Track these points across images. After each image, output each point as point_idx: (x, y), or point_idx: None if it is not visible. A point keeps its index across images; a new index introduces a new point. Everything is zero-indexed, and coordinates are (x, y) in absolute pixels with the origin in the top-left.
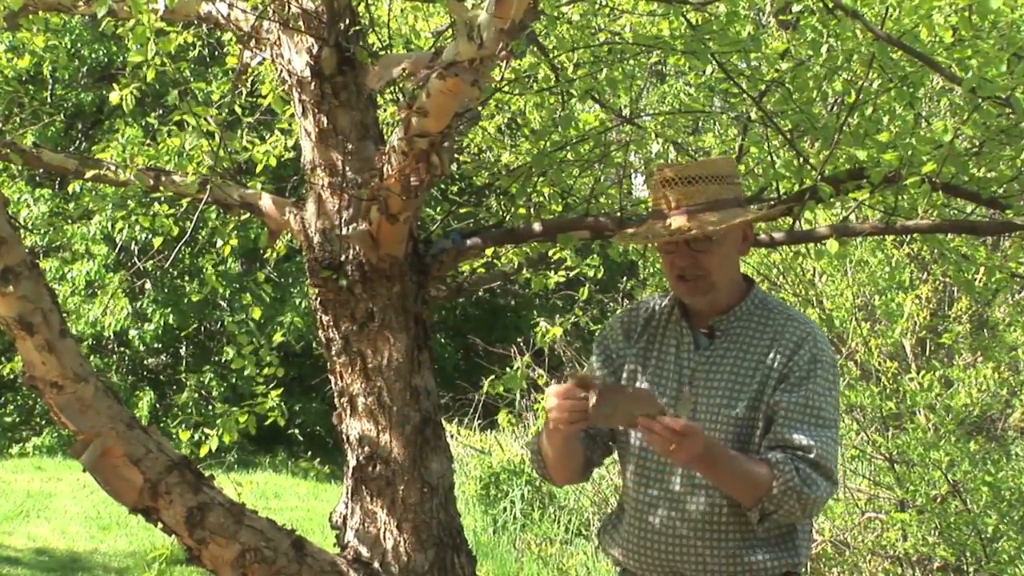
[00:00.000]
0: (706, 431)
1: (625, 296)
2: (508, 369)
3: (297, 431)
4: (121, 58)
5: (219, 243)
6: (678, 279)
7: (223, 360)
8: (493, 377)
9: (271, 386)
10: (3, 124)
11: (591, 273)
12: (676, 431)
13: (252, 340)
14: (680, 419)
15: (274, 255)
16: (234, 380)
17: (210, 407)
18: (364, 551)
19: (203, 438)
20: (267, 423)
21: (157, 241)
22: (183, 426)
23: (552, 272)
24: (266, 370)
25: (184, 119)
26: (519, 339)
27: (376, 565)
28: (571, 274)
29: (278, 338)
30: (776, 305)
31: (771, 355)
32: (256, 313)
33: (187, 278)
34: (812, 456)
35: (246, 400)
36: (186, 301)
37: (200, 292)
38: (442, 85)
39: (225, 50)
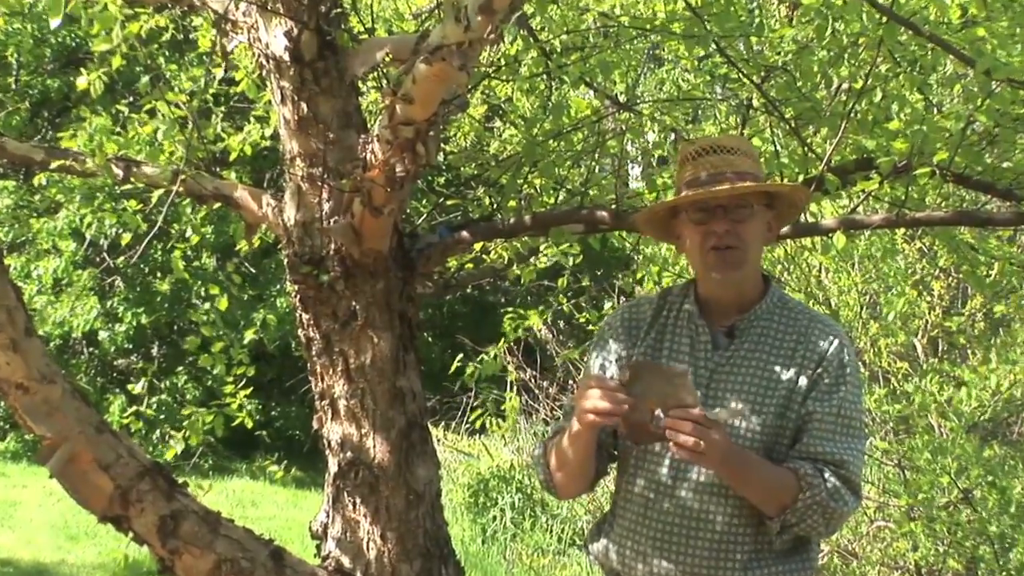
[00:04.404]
0: (730, 438)
1: (621, 293)
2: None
3: (265, 434)
4: (90, 42)
5: (189, 234)
6: (711, 250)
7: (198, 362)
8: (461, 364)
9: (240, 385)
10: None
11: (570, 261)
12: (702, 424)
13: (220, 335)
14: (704, 413)
15: (250, 250)
16: (209, 383)
17: (183, 410)
18: (346, 562)
19: (167, 439)
20: (235, 424)
21: (125, 238)
22: (149, 431)
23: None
24: (236, 369)
25: (156, 106)
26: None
27: None
28: (565, 271)
29: (250, 334)
30: (796, 304)
31: (798, 360)
32: (223, 304)
33: (159, 275)
34: (843, 471)
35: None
36: (159, 300)
37: (169, 283)
38: (428, 70)
39: (199, 32)
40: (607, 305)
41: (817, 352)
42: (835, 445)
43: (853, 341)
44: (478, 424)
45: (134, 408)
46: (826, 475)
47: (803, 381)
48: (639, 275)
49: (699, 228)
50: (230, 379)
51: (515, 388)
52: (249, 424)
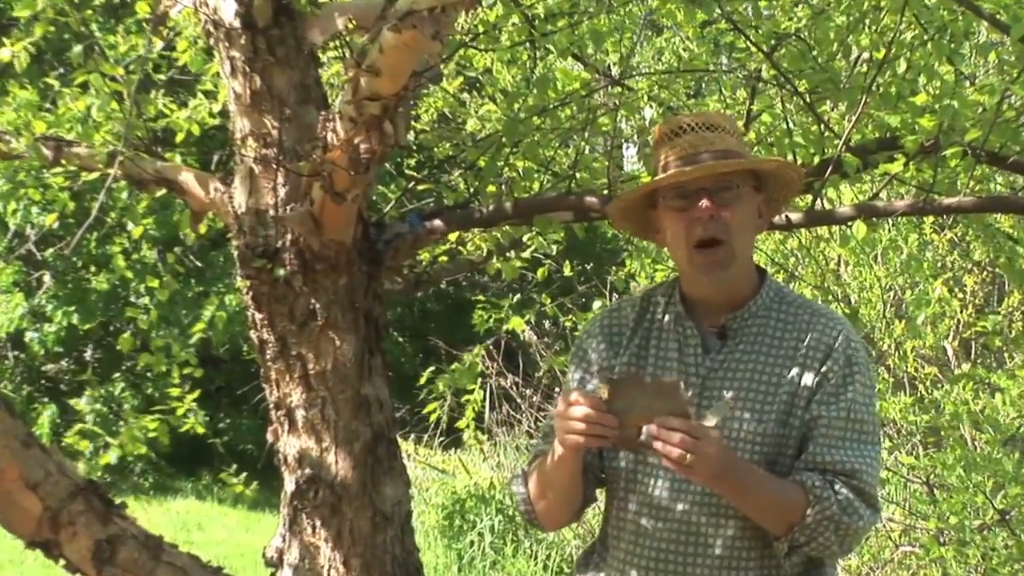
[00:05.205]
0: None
1: (613, 291)
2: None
3: (218, 444)
4: (12, 6)
5: (130, 226)
6: (696, 247)
7: (136, 366)
8: (433, 375)
9: (187, 388)
10: None
11: (554, 250)
12: (691, 433)
13: (161, 334)
14: (694, 423)
15: (196, 240)
16: (150, 390)
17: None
18: None
19: (105, 448)
20: (182, 430)
21: (50, 218)
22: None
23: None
24: (180, 369)
25: (89, 79)
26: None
27: None
28: (545, 261)
29: (198, 329)
30: (795, 298)
31: (800, 360)
32: (163, 295)
33: (94, 270)
34: (856, 482)
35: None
36: (93, 298)
37: (106, 279)
38: (397, 39)
39: None
40: (596, 304)
41: (821, 349)
42: (845, 453)
43: (875, 343)
44: (430, 416)
45: (78, 427)
46: (837, 487)
47: (806, 383)
48: (629, 267)
49: (680, 216)
50: (175, 379)
51: (489, 395)
52: (200, 430)
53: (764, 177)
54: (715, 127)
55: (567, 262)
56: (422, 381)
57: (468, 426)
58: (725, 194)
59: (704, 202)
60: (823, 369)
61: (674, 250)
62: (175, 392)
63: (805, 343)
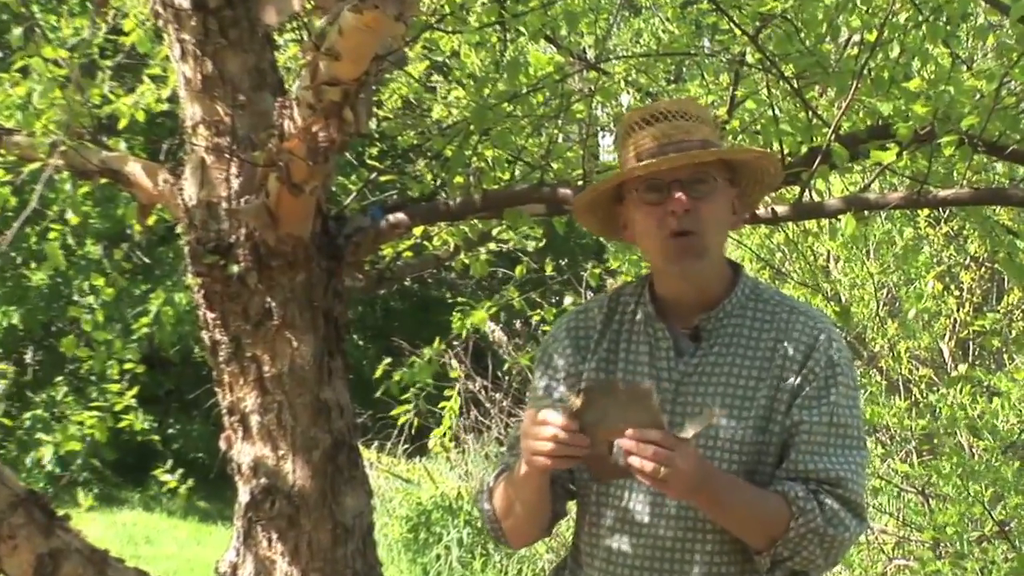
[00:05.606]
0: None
1: (588, 288)
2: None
3: (171, 454)
4: None
5: (69, 214)
6: (669, 237)
7: (79, 368)
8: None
9: (126, 383)
10: None
11: (532, 246)
12: (665, 445)
13: (103, 327)
14: (667, 433)
15: (143, 235)
16: (94, 394)
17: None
18: None
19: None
20: (120, 425)
21: None
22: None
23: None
24: (118, 367)
25: (30, 64)
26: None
27: None
28: (523, 259)
29: (142, 324)
30: (772, 294)
31: (778, 361)
32: (108, 293)
33: (34, 266)
34: (841, 491)
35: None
36: (33, 296)
37: (46, 274)
38: (358, 20)
39: None
40: (568, 300)
41: (800, 350)
42: (829, 460)
43: (868, 344)
44: (395, 421)
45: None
46: (821, 497)
47: (786, 386)
48: (616, 265)
49: (652, 211)
50: (115, 374)
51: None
52: (138, 426)
53: (739, 170)
54: (688, 115)
55: (548, 260)
56: (377, 375)
57: (444, 435)
58: (700, 187)
59: (679, 195)
60: (804, 371)
61: (644, 245)
62: (115, 388)
63: (784, 343)
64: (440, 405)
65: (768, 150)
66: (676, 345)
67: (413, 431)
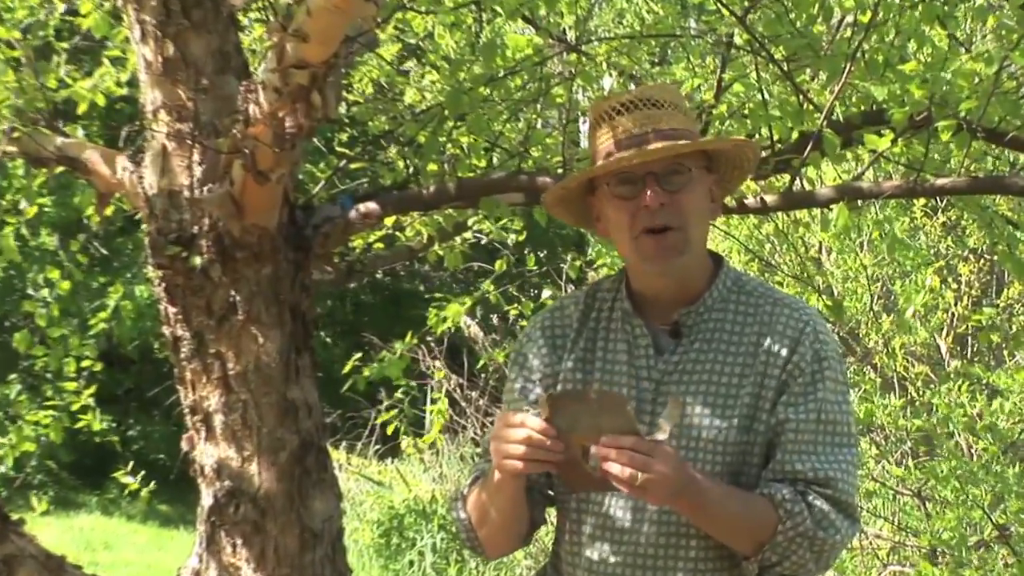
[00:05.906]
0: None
1: (568, 281)
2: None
3: (131, 455)
4: None
5: (23, 205)
6: (644, 234)
7: (33, 365)
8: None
9: (83, 381)
10: None
11: (511, 239)
12: (640, 450)
13: (60, 326)
14: (642, 438)
15: (101, 225)
16: (49, 393)
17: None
18: None
19: None
20: (78, 425)
21: None
22: None
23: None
24: (76, 363)
25: None
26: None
27: None
28: (503, 252)
29: (100, 319)
30: (756, 286)
31: (762, 357)
32: (64, 286)
33: None
34: (830, 491)
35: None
36: None
37: None
38: (327, 0)
39: None
40: (546, 294)
41: (785, 344)
42: (818, 459)
43: (861, 340)
44: (390, 430)
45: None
46: (810, 499)
47: (771, 382)
48: (599, 259)
49: (624, 205)
50: (72, 371)
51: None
52: (97, 426)
53: (716, 157)
54: (661, 103)
55: (527, 253)
56: (346, 370)
57: (436, 439)
58: (676, 178)
59: (654, 189)
60: (789, 366)
61: (618, 240)
62: (71, 387)
63: (768, 337)
64: (429, 408)
65: (744, 138)
66: (655, 342)
67: (387, 432)
